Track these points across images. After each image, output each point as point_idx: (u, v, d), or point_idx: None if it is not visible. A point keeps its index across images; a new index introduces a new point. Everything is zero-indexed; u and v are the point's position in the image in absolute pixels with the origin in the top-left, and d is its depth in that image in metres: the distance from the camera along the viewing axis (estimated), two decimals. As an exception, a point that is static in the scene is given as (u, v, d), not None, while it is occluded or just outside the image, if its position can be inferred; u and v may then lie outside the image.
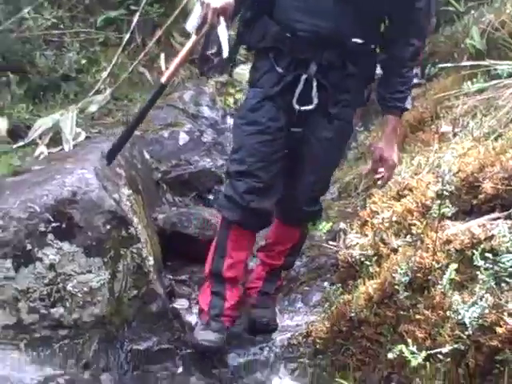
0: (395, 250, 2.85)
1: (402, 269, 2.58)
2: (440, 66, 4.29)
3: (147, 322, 2.94)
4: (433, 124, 3.91)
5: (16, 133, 3.76)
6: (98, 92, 4.49)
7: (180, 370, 2.83)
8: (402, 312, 2.58)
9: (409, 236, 2.84)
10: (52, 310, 2.72)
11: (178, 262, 3.55)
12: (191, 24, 2.71)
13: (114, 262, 2.82)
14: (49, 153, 3.51)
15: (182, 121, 4.41)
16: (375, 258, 2.89)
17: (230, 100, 4.98)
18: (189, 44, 2.73)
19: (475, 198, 2.71)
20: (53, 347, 2.70)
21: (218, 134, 4.45)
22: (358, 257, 3.02)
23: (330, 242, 3.52)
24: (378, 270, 2.84)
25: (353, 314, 2.74)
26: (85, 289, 2.74)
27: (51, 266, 2.70)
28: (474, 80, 3.70)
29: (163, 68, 4.84)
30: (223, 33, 2.56)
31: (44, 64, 4.32)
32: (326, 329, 2.89)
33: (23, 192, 2.80)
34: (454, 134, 3.53)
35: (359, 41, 2.66)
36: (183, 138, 4.27)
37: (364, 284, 2.82)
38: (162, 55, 4.90)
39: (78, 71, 4.56)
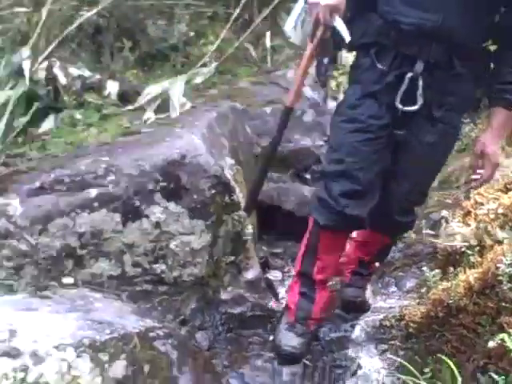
0: (499, 242, 2.78)
1: (507, 260, 2.51)
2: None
3: (241, 288, 2.99)
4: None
5: (125, 97, 3.87)
6: (204, 65, 4.56)
7: (271, 337, 2.84)
8: (503, 304, 2.52)
9: (516, 228, 2.76)
10: (154, 266, 2.79)
11: (274, 236, 3.58)
12: (290, 25, 2.67)
13: (215, 227, 2.87)
14: (156, 118, 3.60)
15: (284, 99, 4.41)
16: (478, 248, 2.82)
17: (333, 83, 4.94)
18: (306, 56, 2.65)
19: None
20: (152, 301, 2.79)
21: (318, 115, 4.43)
22: (458, 246, 2.96)
23: (428, 231, 3.49)
24: (479, 260, 2.77)
25: (451, 301, 2.68)
26: (186, 249, 2.81)
27: (157, 224, 2.78)
28: None
29: (267, 45, 4.88)
30: (340, 24, 2.49)
31: (154, 33, 4.42)
32: (421, 313, 2.85)
33: (134, 151, 2.90)
34: None
35: (470, 35, 2.48)
36: (284, 115, 4.27)
37: (464, 273, 2.76)
38: (268, 33, 4.92)
39: (186, 43, 4.65)
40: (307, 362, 2.75)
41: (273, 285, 3.19)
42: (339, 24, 2.49)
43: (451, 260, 3.02)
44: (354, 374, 2.78)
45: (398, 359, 2.82)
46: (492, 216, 2.92)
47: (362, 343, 2.92)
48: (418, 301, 2.97)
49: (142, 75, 4.21)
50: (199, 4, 4.81)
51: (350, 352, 2.86)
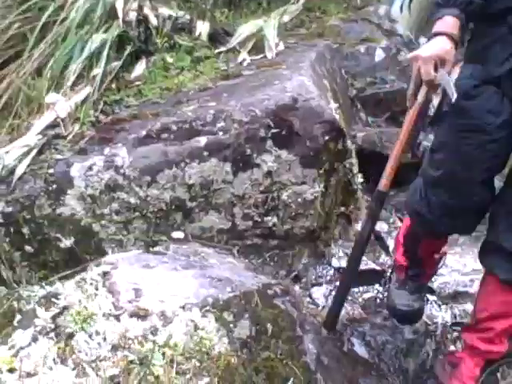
0: None
1: None
2: None
3: (352, 241, 2.84)
4: None
5: (215, 38, 3.69)
6: (291, 2, 4.31)
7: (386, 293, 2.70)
8: None
9: None
10: (265, 219, 2.66)
11: (374, 184, 3.40)
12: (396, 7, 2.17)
13: (327, 176, 2.71)
14: (251, 59, 3.41)
15: (377, 36, 4.16)
16: None
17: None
18: (408, 120, 2.15)
19: None
20: (264, 256, 2.67)
21: (414, 53, 4.16)
22: None
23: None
24: None
25: None
26: (299, 200, 2.66)
27: (268, 174, 2.63)
28: None
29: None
30: (446, 81, 2.00)
31: (240, -29, 4.19)
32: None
33: (243, 95, 2.73)
34: None
35: None
36: (379, 54, 4.04)
37: None
38: (355, -33, 4.62)
39: (270, -21, 4.39)
40: (427, 320, 2.60)
41: (382, 237, 3.02)
42: (445, 80, 2.00)
43: None
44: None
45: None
46: None
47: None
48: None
49: (229, 15, 4.00)
50: None
51: (470, 307, 2.70)
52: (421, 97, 2.08)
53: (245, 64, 3.39)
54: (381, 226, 3.13)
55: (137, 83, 3.27)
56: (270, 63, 3.21)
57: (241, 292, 2.26)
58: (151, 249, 2.50)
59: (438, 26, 2.02)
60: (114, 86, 3.23)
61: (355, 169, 2.81)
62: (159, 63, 3.39)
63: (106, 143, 2.67)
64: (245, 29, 3.60)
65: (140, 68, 3.36)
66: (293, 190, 2.66)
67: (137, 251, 2.45)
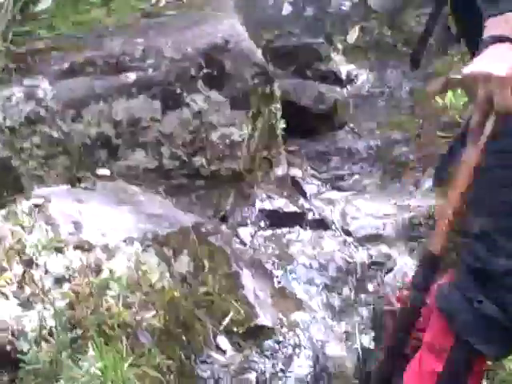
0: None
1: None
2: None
3: (273, 185, 2.89)
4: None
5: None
6: None
7: (307, 231, 2.78)
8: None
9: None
10: (193, 159, 2.64)
11: (288, 133, 3.46)
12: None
13: (254, 119, 2.73)
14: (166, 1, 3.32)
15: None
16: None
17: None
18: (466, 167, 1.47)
19: None
20: (190, 196, 2.65)
21: (318, 11, 4.25)
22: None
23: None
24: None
25: None
26: (226, 141, 2.66)
27: (198, 114, 2.60)
28: None
29: None
30: None
31: None
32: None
33: (172, 34, 2.67)
34: None
35: None
36: (286, 8, 4.09)
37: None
38: None
39: None
40: (348, 259, 2.72)
41: (298, 181, 3.10)
42: None
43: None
44: (391, 270, 2.78)
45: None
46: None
47: (392, 241, 2.91)
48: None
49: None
50: None
51: (384, 249, 2.85)
52: (488, 130, 1.44)
53: (161, 4, 3.30)
54: (295, 173, 3.20)
55: (44, 16, 3.09)
56: (189, 4, 3.14)
57: (178, 228, 2.25)
58: (78, 185, 2.40)
59: (504, 28, 1.40)
60: (19, 18, 3.03)
61: (279, 114, 2.83)
62: (66, -2, 3.21)
63: (24, 74, 2.50)
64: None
65: (45, 2, 3.17)
66: (221, 131, 2.64)
67: (65, 186, 2.34)
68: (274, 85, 2.75)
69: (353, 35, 4.48)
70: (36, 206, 2.09)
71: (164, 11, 3.05)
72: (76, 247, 1.94)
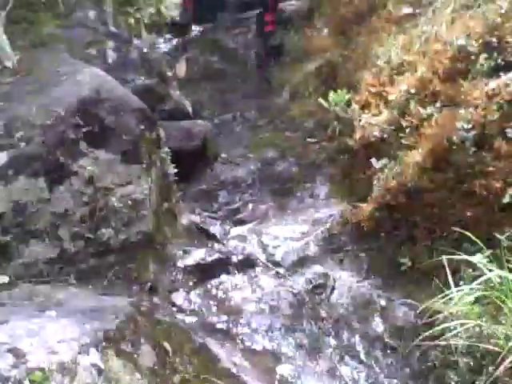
0: (424, 119, 2.80)
1: (465, 126, 2.53)
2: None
3: (182, 237, 2.59)
4: (374, 15, 3.84)
5: None
6: None
7: (238, 275, 2.52)
8: (467, 170, 2.54)
9: (438, 102, 2.78)
10: (98, 233, 2.26)
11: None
12: None
13: (148, 170, 2.41)
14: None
15: (100, 39, 3.89)
16: (408, 129, 2.80)
17: (131, 19, 4.52)
18: None
19: (501, 53, 2.71)
20: (107, 276, 2.26)
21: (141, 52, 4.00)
22: (378, 134, 2.93)
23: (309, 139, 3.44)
24: (415, 139, 2.76)
25: (409, 185, 2.64)
26: (129, 202, 2.32)
27: (89, 180, 2.23)
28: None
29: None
30: None
31: None
32: (370, 211, 2.76)
33: (30, 98, 2.27)
34: (415, 16, 3.53)
35: None
36: (111, 55, 3.79)
37: (407, 155, 2.73)
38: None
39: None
40: (288, 289, 2.50)
41: (203, 227, 2.81)
42: None
43: (370, 152, 2.96)
44: (333, 288, 2.61)
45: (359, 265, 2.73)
46: (403, 99, 2.92)
47: (321, 258, 2.74)
48: (352, 203, 2.89)
49: None
50: None
51: (318, 269, 2.67)
52: None
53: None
54: (194, 219, 2.91)
55: None
56: (19, 69, 2.72)
57: (124, 317, 1.87)
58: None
59: None
60: None
61: (169, 159, 2.54)
62: None
63: None
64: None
65: None
66: (120, 192, 2.29)
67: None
68: (158, 128, 2.45)
69: (181, 69, 4.31)
70: None
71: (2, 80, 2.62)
72: (29, 379, 1.49)
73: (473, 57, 2.65)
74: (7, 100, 2.32)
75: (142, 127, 2.36)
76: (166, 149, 2.53)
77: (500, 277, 1.98)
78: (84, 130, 2.23)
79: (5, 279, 2.07)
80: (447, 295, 2.08)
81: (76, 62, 2.65)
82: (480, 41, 2.73)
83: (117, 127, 2.29)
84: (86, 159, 2.23)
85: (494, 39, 2.66)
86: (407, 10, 3.59)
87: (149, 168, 2.41)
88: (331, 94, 2.86)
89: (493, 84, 2.62)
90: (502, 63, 2.64)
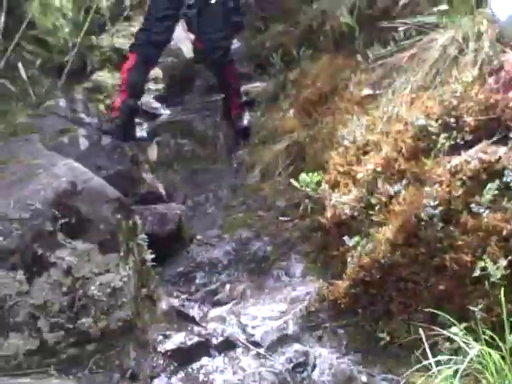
0: (392, 196, 2.90)
1: (431, 202, 2.62)
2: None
3: (163, 322, 2.61)
4: (337, 96, 3.97)
5: None
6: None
7: (219, 357, 2.52)
8: (437, 245, 2.62)
9: (405, 180, 2.89)
10: (78, 322, 2.26)
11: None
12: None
13: (126, 257, 2.45)
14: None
15: (70, 126, 3.98)
16: (377, 207, 2.89)
17: (101, 106, 4.64)
18: None
19: (459, 132, 2.84)
20: (87, 366, 2.25)
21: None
22: (348, 212, 3.02)
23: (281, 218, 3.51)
24: (384, 216, 2.85)
25: (382, 261, 2.71)
26: (108, 290, 2.34)
27: (68, 271, 2.26)
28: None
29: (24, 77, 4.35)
30: None
31: None
32: (346, 287, 2.82)
33: (6, 192, 2.31)
34: (376, 96, 3.68)
35: None
36: (83, 142, 3.86)
37: (378, 232, 2.81)
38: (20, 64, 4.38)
39: None
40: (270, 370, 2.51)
41: (180, 310, 2.83)
42: None
43: (341, 231, 3.03)
44: (314, 366, 2.62)
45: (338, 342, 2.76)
46: (370, 177, 3.03)
47: (300, 336, 2.77)
48: (328, 280, 2.94)
49: None
50: None
51: (297, 347, 2.69)
52: None
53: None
54: (172, 301, 2.92)
55: None
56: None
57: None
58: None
59: None
60: None
61: (145, 245, 2.58)
62: None
63: None
64: None
65: None
66: (98, 281, 2.32)
67: None
68: (134, 216, 2.50)
69: (153, 152, 4.39)
70: None
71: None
72: None
73: (434, 136, 2.78)
74: (-16, 194, 2.35)
75: (119, 216, 2.41)
76: (143, 235, 2.57)
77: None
78: (61, 221, 2.27)
79: (-15, 375, 2.05)
80: (427, 368, 2.13)
81: (51, 153, 2.70)
82: (439, 121, 2.88)
83: (94, 218, 2.34)
84: (64, 250, 2.26)
85: (452, 119, 2.80)
86: (368, 91, 3.74)
87: (126, 255, 2.44)
88: (302, 175, 2.96)
89: (455, 161, 2.75)
90: (462, 142, 2.79)
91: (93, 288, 2.30)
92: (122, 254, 2.40)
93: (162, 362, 2.42)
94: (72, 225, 2.29)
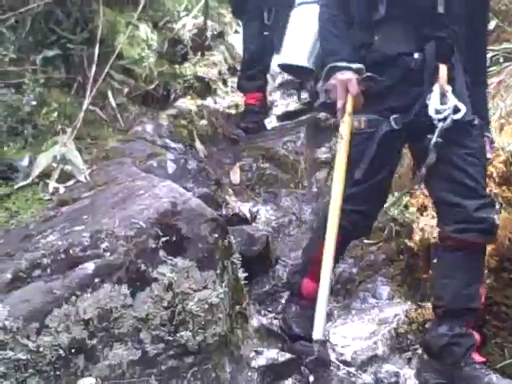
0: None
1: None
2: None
3: (253, 338, 2.67)
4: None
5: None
6: (57, 133, 4.07)
7: (312, 378, 2.56)
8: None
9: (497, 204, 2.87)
10: (177, 336, 2.35)
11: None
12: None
13: (221, 275, 2.53)
14: (65, 187, 3.08)
15: (159, 151, 4.13)
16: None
17: (185, 131, 4.80)
18: None
19: None
20: (185, 377, 2.34)
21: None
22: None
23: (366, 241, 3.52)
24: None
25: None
26: (205, 306, 2.42)
27: (169, 286, 2.36)
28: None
29: (113, 104, 4.56)
30: None
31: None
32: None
33: (112, 212, 2.44)
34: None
35: None
36: (171, 166, 4.00)
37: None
38: (110, 92, 4.60)
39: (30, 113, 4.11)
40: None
41: (270, 328, 2.88)
42: None
43: (429, 253, 3.03)
44: (405, 388, 2.63)
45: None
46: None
47: (390, 357, 2.78)
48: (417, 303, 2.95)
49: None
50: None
51: (388, 367, 2.70)
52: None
53: (61, 191, 3.05)
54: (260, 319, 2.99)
55: None
56: (95, 184, 2.92)
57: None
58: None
59: None
60: None
61: (239, 264, 2.66)
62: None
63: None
64: (45, 158, 3.27)
65: None
66: (197, 297, 2.40)
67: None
68: (229, 236, 2.59)
69: (235, 176, 4.50)
70: None
71: (77, 195, 2.81)
72: None
73: (525, 161, 2.77)
74: (91, 213, 2.49)
75: (216, 235, 2.49)
76: (237, 254, 2.65)
77: None
78: (163, 239, 2.37)
79: (92, 381, 2.16)
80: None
81: (148, 175, 2.82)
82: None
83: (193, 236, 2.43)
84: (165, 266, 2.36)
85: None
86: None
87: (222, 273, 2.52)
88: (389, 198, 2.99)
89: None
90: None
91: (191, 303, 2.39)
92: (218, 271, 2.48)
93: (255, 377, 2.48)
94: (173, 243, 2.39)
